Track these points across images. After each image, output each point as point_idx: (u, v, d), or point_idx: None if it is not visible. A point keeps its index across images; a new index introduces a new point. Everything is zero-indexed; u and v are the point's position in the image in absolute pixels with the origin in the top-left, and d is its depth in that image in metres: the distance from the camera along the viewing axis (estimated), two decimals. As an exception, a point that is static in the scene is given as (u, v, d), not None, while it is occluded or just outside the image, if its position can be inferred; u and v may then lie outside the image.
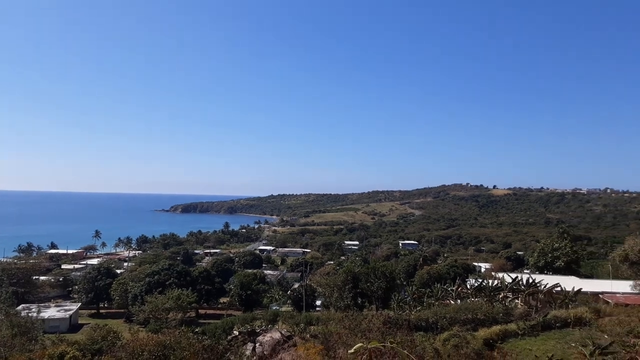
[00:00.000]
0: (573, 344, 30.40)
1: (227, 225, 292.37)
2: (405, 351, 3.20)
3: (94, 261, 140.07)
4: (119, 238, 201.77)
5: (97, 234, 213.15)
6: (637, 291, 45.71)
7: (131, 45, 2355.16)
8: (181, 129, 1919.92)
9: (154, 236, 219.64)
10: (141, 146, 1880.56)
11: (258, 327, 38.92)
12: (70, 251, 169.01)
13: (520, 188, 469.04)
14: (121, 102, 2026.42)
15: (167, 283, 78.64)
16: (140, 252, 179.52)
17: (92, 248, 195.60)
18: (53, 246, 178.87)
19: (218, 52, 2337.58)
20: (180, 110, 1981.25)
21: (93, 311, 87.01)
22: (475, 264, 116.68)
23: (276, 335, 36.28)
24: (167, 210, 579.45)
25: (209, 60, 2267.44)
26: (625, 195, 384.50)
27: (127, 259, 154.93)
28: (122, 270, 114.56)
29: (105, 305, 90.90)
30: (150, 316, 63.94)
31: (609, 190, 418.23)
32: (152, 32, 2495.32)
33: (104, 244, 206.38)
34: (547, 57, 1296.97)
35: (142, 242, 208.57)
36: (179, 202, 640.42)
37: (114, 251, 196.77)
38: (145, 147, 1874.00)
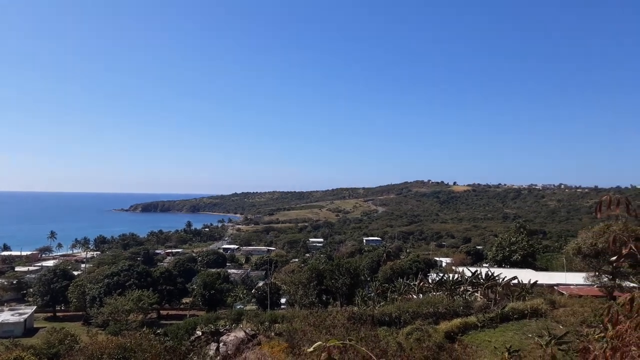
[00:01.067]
0: (530, 335, 31.46)
1: (189, 224, 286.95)
2: (363, 348, 3.19)
3: (50, 263, 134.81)
4: (76, 239, 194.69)
5: (53, 234, 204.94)
6: (590, 283, 47.60)
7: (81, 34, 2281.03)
8: (139, 125, 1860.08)
9: (112, 236, 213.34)
10: (98, 143, 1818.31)
11: (222, 326, 38.47)
12: (24, 253, 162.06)
13: (479, 184, 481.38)
14: (77, 98, 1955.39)
15: (127, 284, 76.88)
16: (98, 253, 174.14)
17: (47, 249, 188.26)
18: (6, 248, 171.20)
19: (177, 45, 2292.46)
20: (138, 106, 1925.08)
21: (49, 314, 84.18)
22: (437, 258, 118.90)
23: (240, 334, 35.98)
24: (127, 210, 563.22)
25: (166, 53, 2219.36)
26: (578, 190, 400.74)
27: (84, 260, 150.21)
28: (79, 272, 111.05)
29: (62, 308, 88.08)
30: (110, 318, 62.29)
31: (562, 186, 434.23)
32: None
33: (60, 245, 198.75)
34: (501, 56, 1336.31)
35: (100, 242, 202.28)
36: (138, 201, 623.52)
37: (70, 252, 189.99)
38: (102, 145, 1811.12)
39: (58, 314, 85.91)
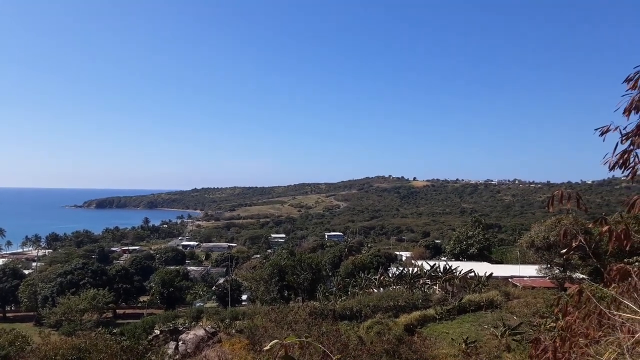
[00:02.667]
0: (486, 326, 32.43)
1: (146, 220, 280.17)
2: (321, 345, 3.19)
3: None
4: (27, 236, 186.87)
5: (1, 232, 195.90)
6: (542, 275, 49.50)
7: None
8: (92, 116, 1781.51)
9: (65, 234, 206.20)
10: (47, 134, 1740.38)
11: (181, 325, 37.84)
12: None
13: (438, 179, 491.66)
14: (24, 87, 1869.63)
15: (81, 283, 74.57)
16: (50, 251, 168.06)
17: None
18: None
19: (132, 37, 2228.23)
20: (91, 96, 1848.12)
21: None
22: (397, 252, 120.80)
23: (200, 332, 35.50)
24: (80, 206, 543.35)
25: (123, 44, 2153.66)
26: (532, 185, 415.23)
27: (35, 258, 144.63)
28: (30, 271, 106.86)
29: (12, 309, 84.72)
30: (63, 318, 60.26)
31: (517, 181, 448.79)
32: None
33: (9, 243, 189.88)
34: (459, 57, 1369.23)
35: (53, 240, 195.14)
36: (92, 196, 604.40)
37: (20, 250, 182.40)
38: (52, 136, 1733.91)
39: (8, 314, 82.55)
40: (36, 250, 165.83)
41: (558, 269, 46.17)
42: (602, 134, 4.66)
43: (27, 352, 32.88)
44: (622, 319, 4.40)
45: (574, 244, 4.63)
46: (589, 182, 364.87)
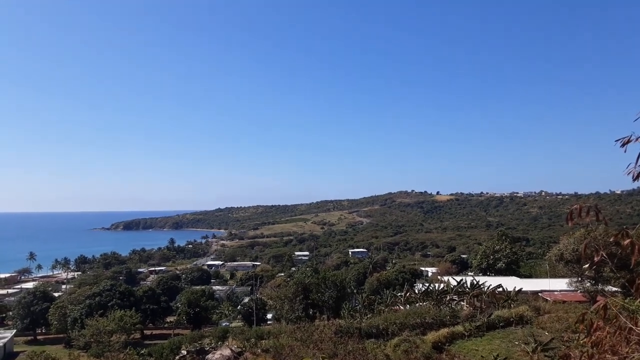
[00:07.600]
0: (516, 342, 31.63)
1: (172, 241, 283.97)
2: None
3: (29, 285, 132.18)
4: (56, 259, 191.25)
5: (32, 256, 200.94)
6: (573, 288, 48.13)
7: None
8: (117, 139, 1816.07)
9: (93, 256, 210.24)
10: (73, 159, 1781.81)
11: (207, 345, 37.99)
12: (2, 275, 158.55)
13: (462, 193, 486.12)
14: (44, 109, 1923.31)
15: (109, 304, 75.66)
16: (79, 273, 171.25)
17: (26, 271, 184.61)
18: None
19: (144, 56, 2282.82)
20: (113, 121, 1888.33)
21: (30, 338, 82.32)
22: (422, 268, 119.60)
23: (226, 352, 35.53)
24: (107, 229, 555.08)
25: (133, 63, 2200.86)
26: (559, 197, 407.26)
27: (65, 281, 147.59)
28: (60, 293, 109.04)
29: (43, 331, 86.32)
30: (92, 340, 61.07)
31: (543, 193, 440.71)
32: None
33: (39, 267, 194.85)
34: (479, 67, 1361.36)
35: (81, 262, 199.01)
36: (119, 219, 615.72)
37: (50, 273, 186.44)
38: (77, 160, 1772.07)
39: (39, 337, 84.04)
40: (65, 273, 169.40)
41: (589, 282, 44.83)
42: (623, 145, 4.61)
43: (57, 374, 33.46)
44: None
45: (596, 259, 4.56)
46: (618, 192, 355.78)
